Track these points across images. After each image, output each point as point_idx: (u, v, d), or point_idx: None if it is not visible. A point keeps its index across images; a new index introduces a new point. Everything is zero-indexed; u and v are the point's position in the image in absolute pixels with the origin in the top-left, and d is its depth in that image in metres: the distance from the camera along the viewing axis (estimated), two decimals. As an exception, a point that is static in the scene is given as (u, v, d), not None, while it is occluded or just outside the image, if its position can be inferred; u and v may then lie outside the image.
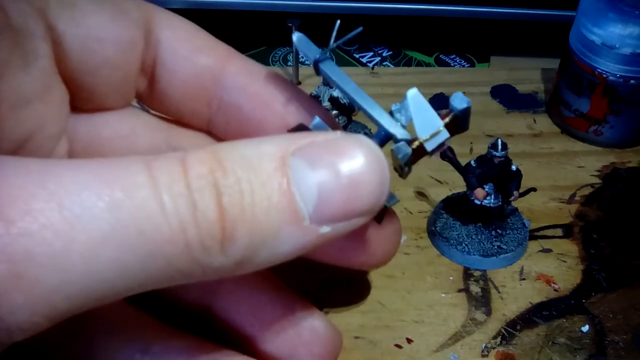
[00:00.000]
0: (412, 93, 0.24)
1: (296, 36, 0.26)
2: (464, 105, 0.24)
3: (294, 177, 0.20)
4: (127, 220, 0.18)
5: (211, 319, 0.28)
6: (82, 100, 0.27)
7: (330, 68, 0.25)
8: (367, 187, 0.21)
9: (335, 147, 0.21)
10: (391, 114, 0.25)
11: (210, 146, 0.20)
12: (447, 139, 0.25)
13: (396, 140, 0.24)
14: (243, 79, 0.28)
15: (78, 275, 0.17)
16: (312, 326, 0.28)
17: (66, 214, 0.17)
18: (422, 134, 0.24)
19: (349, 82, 0.25)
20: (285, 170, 0.20)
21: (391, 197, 0.25)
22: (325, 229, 0.20)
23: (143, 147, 0.29)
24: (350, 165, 0.21)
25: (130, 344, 0.25)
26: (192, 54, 0.28)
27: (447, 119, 0.25)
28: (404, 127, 0.25)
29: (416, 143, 0.24)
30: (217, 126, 0.30)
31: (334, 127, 0.26)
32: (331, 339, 0.28)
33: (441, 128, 0.24)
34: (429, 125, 0.24)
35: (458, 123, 0.25)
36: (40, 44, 0.24)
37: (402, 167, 0.25)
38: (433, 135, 0.24)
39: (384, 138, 0.25)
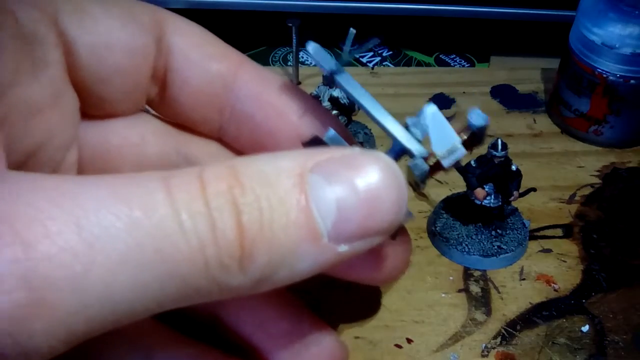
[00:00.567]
0: (431, 110, 0.24)
1: (312, 47, 0.25)
2: (482, 123, 0.24)
3: (312, 193, 0.20)
4: (145, 239, 0.18)
5: (219, 327, 0.28)
6: (92, 107, 0.27)
7: (345, 80, 0.25)
8: (385, 204, 0.21)
9: (353, 163, 0.20)
10: (406, 127, 0.25)
11: (228, 161, 0.20)
12: (464, 155, 0.25)
13: (412, 156, 0.24)
14: (256, 87, 0.28)
15: (97, 298, 0.17)
16: (319, 341, 0.27)
17: (85, 235, 0.17)
18: (439, 150, 0.24)
19: (364, 94, 0.25)
20: (304, 186, 0.20)
21: (407, 213, 0.25)
22: (344, 248, 0.20)
23: (153, 154, 0.29)
24: (367, 181, 0.20)
25: (134, 349, 0.25)
26: (204, 61, 0.28)
27: (464, 136, 0.24)
28: (419, 141, 0.24)
29: (433, 159, 0.24)
30: (228, 134, 0.30)
31: (348, 139, 0.26)
32: (338, 355, 0.28)
33: (458, 145, 0.24)
34: (446, 142, 0.24)
35: (475, 139, 0.25)
36: (51, 51, 0.24)
37: (417, 184, 0.24)
38: (450, 152, 0.24)
39: (399, 152, 0.24)
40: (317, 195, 0.20)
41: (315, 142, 0.25)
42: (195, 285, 0.19)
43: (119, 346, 0.24)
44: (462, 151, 0.24)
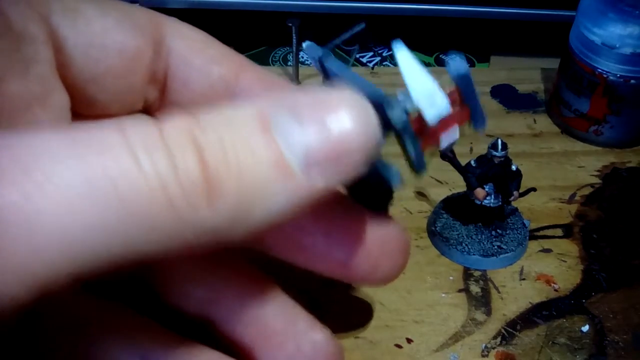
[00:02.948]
0: (400, 49, 0.22)
1: (306, 44, 0.25)
2: (462, 71, 0.21)
3: (279, 130, 0.19)
4: (102, 180, 0.17)
5: (212, 327, 0.28)
6: (84, 107, 0.27)
7: (333, 63, 0.25)
8: (356, 133, 0.20)
9: (321, 102, 0.20)
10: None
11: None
12: (448, 111, 0.22)
13: (390, 107, 0.22)
14: (257, 89, 0.28)
15: (54, 241, 0.17)
16: (313, 340, 0.27)
17: (36, 176, 0.17)
18: (419, 102, 0.21)
19: (349, 71, 0.24)
20: (268, 124, 0.19)
21: (394, 175, 0.23)
22: (318, 180, 0.20)
23: None
24: (337, 119, 0.20)
25: (129, 348, 0.24)
26: (206, 64, 0.27)
27: (448, 89, 0.22)
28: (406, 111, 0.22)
29: (414, 113, 0.22)
30: None
31: None
32: (332, 354, 0.28)
33: (439, 95, 0.22)
34: (426, 93, 0.22)
35: (462, 95, 0.22)
36: (41, 49, 0.24)
37: (401, 136, 0.22)
38: (431, 104, 0.22)
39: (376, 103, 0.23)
40: (284, 132, 0.19)
41: None
42: (163, 226, 0.18)
43: (114, 343, 0.24)
44: (444, 104, 0.21)
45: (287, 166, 0.19)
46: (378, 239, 0.26)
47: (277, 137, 0.19)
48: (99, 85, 0.26)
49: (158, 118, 0.19)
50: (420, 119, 0.22)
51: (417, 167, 0.23)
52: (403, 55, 0.22)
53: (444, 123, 0.22)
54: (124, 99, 0.27)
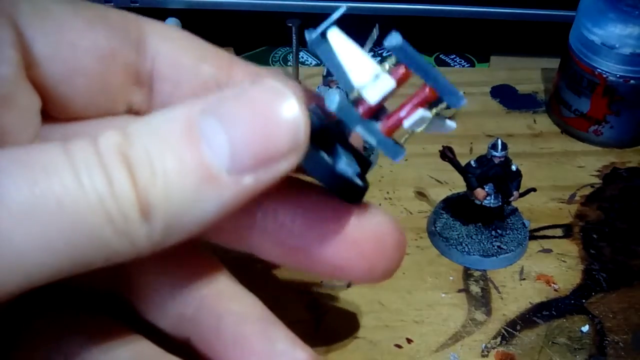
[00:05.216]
0: (333, 35, 0.21)
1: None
2: (397, 42, 0.20)
3: (204, 134, 0.20)
4: (48, 196, 0.18)
5: (190, 345, 0.27)
6: (58, 109, 0.26)
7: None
8: (280, 128, 0.20)
9: (245, 99, 0.20)
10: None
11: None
12: (392, 86, 0.21)
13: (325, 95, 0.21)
14: None
15: (6, 257, 0.18)
16: (293, 359, 0.26)
17: None
18: (358, 81, 0.21)
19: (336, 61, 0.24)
20: (193, 130, 0.20)
21: (397, 149, 0.21)
22: (248, 179, 0.20)
23: None
24: (261, 118, 0.20)
25: None
26: (195, 64, 0.27)
27: (387, 64, 0.21)
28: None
29: (354, 94, 0.21)
30: None
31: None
32: None
33: (381, 74, 0.21)
34: (365, 72, 0.21)
35: (407, 69, 0.21)
36: (6, 50, 0.23)
37: (345, 123, 0.21)
38: (373, 83, 0.21)
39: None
40: (209, 135, 0.20)
41: None
42: (103, 239, 0.19)
43: (94, 356, 0.24)
44: (385, 81, 0.20)
45: (213, 171, 0.20)
46: (371, 236, 0.25)
47: (202, 141, 0.20)
48: (71, 87, 0.25)
49: (96, 135, 0.20)
50: (363, 102, 0.21)
51: (387, 152, 0.22)
52: (337, 38, 0.21)
53: (404, 106, 0.21)
54: (100, 101, 0.27)
